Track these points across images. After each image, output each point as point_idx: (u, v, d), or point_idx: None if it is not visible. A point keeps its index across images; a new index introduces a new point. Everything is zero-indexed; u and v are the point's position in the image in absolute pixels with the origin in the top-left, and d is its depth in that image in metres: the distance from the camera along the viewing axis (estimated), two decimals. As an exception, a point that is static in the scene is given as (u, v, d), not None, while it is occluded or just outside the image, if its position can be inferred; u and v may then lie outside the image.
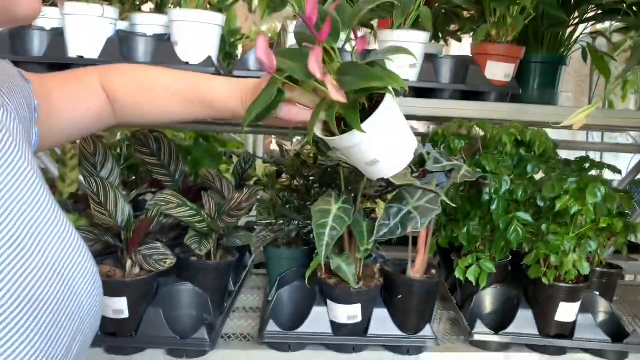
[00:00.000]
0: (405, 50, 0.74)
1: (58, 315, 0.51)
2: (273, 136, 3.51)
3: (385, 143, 0.75)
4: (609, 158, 2.80)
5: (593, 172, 1.26)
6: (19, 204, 0.50)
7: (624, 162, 2.64)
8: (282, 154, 1.38)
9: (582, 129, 1.49)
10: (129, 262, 0.99)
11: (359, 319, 1.03)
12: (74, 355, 0.53)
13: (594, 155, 2.67)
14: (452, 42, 1.77)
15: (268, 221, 1.26)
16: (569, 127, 1.01)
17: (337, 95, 0.69)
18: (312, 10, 0.70)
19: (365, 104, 0.76)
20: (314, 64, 0.68)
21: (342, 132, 0.74)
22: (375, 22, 1.52)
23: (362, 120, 0.71)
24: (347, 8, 0.77)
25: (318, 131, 0.77)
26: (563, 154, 2.23)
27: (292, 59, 0.74)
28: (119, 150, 1.70)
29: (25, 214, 0.50)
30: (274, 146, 3.92)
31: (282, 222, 1.22)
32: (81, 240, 0.57)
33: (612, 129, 2.03)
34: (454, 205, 0.97)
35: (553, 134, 2.54)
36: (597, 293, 1.18)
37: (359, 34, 0.78)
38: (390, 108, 0.74)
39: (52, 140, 0.81)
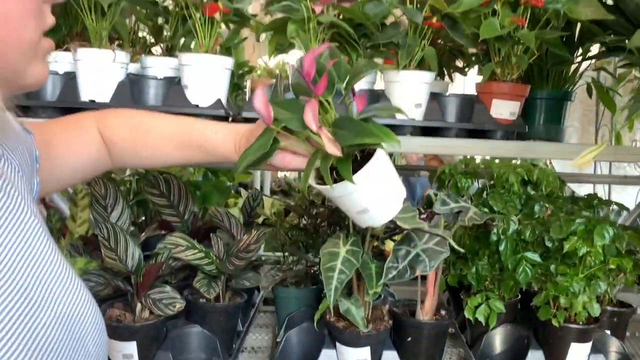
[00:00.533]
0: (397, 109, 0.77)
1: None
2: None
3: (375, 193, 0.77)
4: (617, 187, 2.79)
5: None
6: (28, 257, 0.51)
7: (633, 190, 2.64)
8: (289, 190, 1.39)
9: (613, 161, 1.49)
10: (138, 306, 1.00)
11: (369, 361, 1.03)
12: None
13: (602, 187, 2.66)
14: (456, 73, 1.79)
15: (276, 259, 1.27)
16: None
17: (332, 148, 0.71)
18: (310, 66, 0.72)
19: (357, 154, 0.78)
20: (310, 117, 0.70)
21: (334, 180, 0.76)
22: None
23: (354, 171, 0.73)
24: (343, 64, 0.79)
25: (311, 179, 0.79)
26: (571, 186, 2.22)
27: (289, 109, 0.76)
28: (128, 186, 1.72)
29: (34, 267, 0.51)
30: (281, 173, 3.96)
31: (290, 261, 1.23)
32: (85, 289, 0.59)
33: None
34: (462, 250, 0.97)
35: (560, 165, 2.56)
36: (609, 332, 1.17)
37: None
38: (382, 160, 0.76)
39: (52, 187, 0.83)
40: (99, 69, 1.16)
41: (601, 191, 2.69)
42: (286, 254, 1.24)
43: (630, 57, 1.31)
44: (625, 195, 2.65)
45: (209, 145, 0.83)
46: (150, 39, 1.47)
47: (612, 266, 0.99)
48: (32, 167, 0.66)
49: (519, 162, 1.41)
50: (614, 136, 2.19)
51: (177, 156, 0.85)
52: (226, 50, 1.58)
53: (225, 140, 0.82)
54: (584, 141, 2.70)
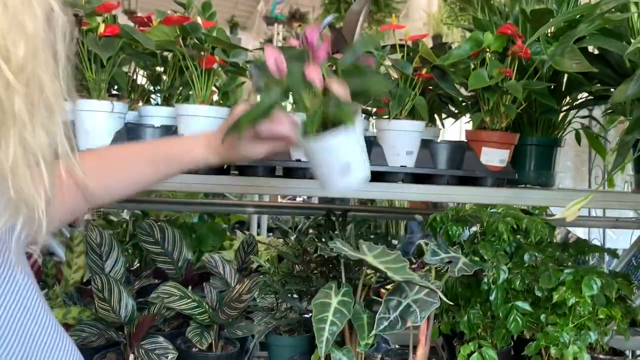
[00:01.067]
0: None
1: None
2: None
3: (359, 146, 0.83)
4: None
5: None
6: (25, 320, 0.53)
7: (628, 231, 2.64)
8: (284, 235, 1.41)
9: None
10: (131, 357, 1.00)
11: (361, 413, 1.03)
12: None
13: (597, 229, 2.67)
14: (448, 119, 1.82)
15: (269, 305, 1.27)
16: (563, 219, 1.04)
17: (343, 91, 0.78)
18: (313, 35, 0.81)
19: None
20: (315, 74, 0.78)
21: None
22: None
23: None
24: None
25: (300, 134, 0.82)
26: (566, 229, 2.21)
27: (289, 73, 0.80)
28: (124, 226, 1.73)
29: (29, 329, 0.53)
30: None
31: (283, 308, 1.23)
32: (72, 344, 0.61)
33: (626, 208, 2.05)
34: (451, 303, 0.98)
35: (556, 208, 2.55)
36: (602, 381, 1.17)
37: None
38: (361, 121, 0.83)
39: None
40: (97, 119, 1.19)
41: (596, 231, 2.69)
42: (279, 301, 1.25)
43: (615, 106, 1.34)
44: (620, 234, 2.66)
45: (178, 151, 0.84)
46: (149, 87, 1.51)
47: (602, 316, 1.00)
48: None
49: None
50: (606, 182, 2.21)
51: (148, 172, 0.85)
52: (223, 94, 1.61)
53: (196, 144, 0.83)
54: (578, 181, 2.72)
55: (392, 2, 4.89)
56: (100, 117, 1.19)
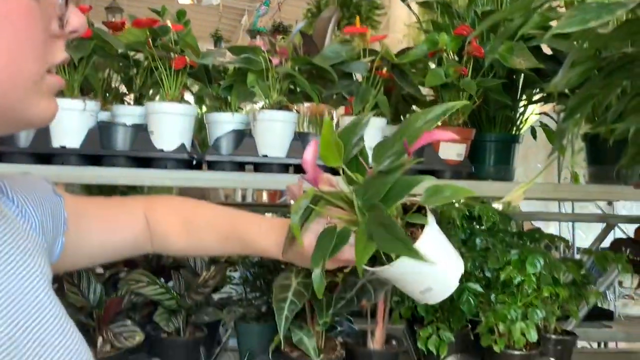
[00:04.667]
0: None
1: None
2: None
3: (437, 265, 0.68)
4: (582, 226, 2.89)
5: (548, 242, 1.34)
6: (25, 311, 0.52)
7: (598, 228, 2.73)
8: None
9: (554, 199, 1.56)
10: (100, 340, 1.04)
11: (321, 390, 1.07)
12: None
13: (567, 225, 2.76)
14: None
15: (239, 297, 1.32)
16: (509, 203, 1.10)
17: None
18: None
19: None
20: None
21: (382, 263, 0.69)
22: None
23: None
24: None
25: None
26: (537, 223, 2.30)
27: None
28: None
29: (29, 320, 0.52)
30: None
31: (250, 297, 1.28)
32: (82, 339, 0.60)
33: (577, 199, 2.13)
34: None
35: (526, 205, 2.64)
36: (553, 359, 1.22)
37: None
38: (434, 226, 0.71)
39: (80, 261, 0.82)
40: (70, 117, 1.24)
41: (567, 231, 2.78)
42: (248, 290, 1.30)
43: (564, 102, 1.42)
44: (589, 232, 2.75)
45: (250, 238, 0.82)
46: (123, 89, 1.57)
47: (546, 294, 1.06)
48: (56, 228, 0.68)
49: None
50: (571, 177, 2.29)
51: (218, 247, 0.86)
52: (199, 98, 1.67)
53: (267, 234, 0.81)
54: (549, 180, 2.81)
55: (373, 14, 4.99)
56: (74, 115, 1.24)
